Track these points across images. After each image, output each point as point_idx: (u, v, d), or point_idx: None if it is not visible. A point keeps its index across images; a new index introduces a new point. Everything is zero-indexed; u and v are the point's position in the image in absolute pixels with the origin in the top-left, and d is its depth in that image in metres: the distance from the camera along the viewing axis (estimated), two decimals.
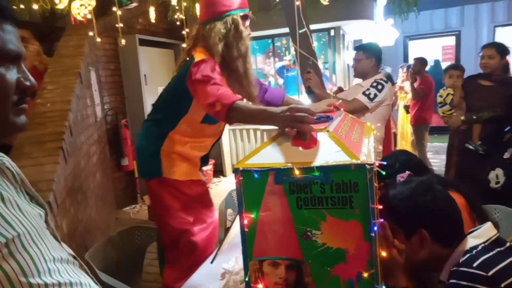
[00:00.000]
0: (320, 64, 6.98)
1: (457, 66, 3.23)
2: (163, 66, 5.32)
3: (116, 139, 4.48)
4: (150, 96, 4.78)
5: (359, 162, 0.97)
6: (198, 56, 1.63)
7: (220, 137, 1.99)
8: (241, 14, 1.69)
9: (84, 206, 2.57)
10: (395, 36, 6.57)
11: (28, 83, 0.69)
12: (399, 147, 5.34)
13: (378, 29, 6.19)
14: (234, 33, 1.67)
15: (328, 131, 1.11)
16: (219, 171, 5.66)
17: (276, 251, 1.07)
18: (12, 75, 0.67)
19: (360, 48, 2.68)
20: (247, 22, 1.73)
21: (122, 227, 3.00)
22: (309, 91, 2.39)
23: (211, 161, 5.32)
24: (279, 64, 6.53)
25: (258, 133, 5.57)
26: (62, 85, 2.69)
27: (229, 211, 2.38)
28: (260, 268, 1.08)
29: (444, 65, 8.46)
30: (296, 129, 1.10)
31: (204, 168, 5.23)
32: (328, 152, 1.03)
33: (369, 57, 2.56)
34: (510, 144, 2.62)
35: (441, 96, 3.06)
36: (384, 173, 0.98)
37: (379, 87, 2.44)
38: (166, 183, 1.83)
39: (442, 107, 3.06)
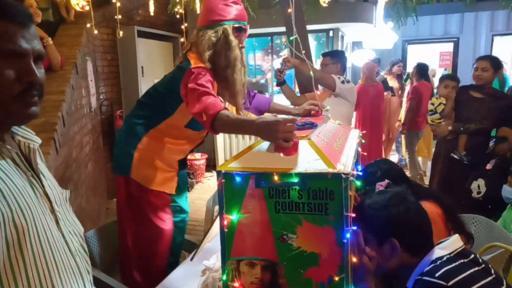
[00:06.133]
0: (318, 64, 7.04)
1: (453, 77, 3.26)
2: (161, 58, 5.33)
3: (110, 129, 4.49)
4: (147, 88, 4.74)
5: (335, 171, 1.01)
6: (194, 61, 1.65)
7: (201, 143, 1.98)
8: (236, 25, 1.71)
9: (74, 195, 2.60)
10: (394, 39, 6.59)
11: (28, 78, 0.75)
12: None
13: (377, 32, 6.22)
14: (223, 43, 1.68)
15: (309, 139, 1.15)
16: (212, 166, 5.70)
17: (253, 252, 1.11)
18: (8, 70, 0.73)
19: (328, 54, 2.90)
20: (245, 35, 1.75)
21: (111, 218, 3.02)
22: (279, 84, 2.55)
23: (204, 156, 5.35)
24: (277, 62, 6.53)
25: None
26: (57, 75, 2.71)
27: (217, 208, 2.42)
28: (237, 267, 1.13)
29: (440, 71, 8.53)
30: (285, 139, 1.12)
31: (197, 162, 5.26)
32: (307, 160, 1.08)
33: (335, 63, 2.78)
34: (494, 156, 2.68)
35: (432, 104, 3.10)
36: (359, 183, 1.03)
37: (347, 79, 2.72)
38: (131, 184, 1.81)
39: (432, 115, 3.11)
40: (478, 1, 4.14)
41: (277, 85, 2.56)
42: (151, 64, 5.08)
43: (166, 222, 1.90)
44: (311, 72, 2.05)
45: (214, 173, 5.72)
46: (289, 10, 1.66)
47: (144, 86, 4.79)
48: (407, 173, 4.99)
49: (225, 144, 5.81)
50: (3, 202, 0.68)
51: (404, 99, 5.06)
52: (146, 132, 1.80)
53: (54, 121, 2.17)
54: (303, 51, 1.60)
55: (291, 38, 1.65)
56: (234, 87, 1.73)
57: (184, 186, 2.01)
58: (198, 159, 5.24)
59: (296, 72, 2.79)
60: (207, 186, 5.16)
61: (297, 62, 2.41)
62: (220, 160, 5.77)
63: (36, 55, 0.78)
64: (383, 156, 5.09)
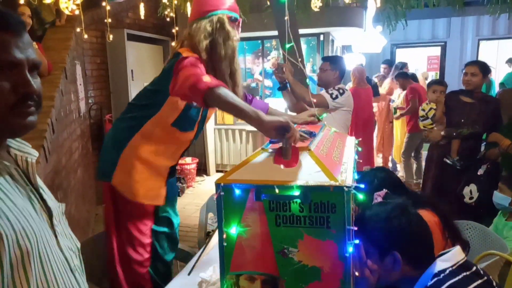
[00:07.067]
0: (308, 67, 7.06)
1: (441, 82, 3.30)
2: (151, 62, 5.28)
3: (100, 134, 4.42)
4: (136, 91, 4.68)
5: (337, 184, 0.99)
6: (185, 53, 1.60)
7: (188, 147, 1.90)
8: (229, 15, 1.67)
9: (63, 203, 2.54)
10: (383, 43, 6.66)
11: (23, 89, 0.72)
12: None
13: (367, 36, 6.28)
14: (220, 31, 1.64)
15: (309, 150, 1.13)
16: (202, 170, 5.66)
17: (253, 266, 1.09)
18: (2, 81, 0.70)
19: (328, 59, 2.85)
20: (238, 29, 1.71)
21: (101, 225, 2.94)
22: (281, 87, 2.45)
23: (195, 160, 5.31)
24: (267, 65, 6.48)
25: (244, 133, 5.58)
26: (46, 80, 2.64)
27: (210, 215, 2.39)
28: (237, 282, 1.10)
29: (431, 75, 8.65)
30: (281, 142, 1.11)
31: (188, 167, 5.21)
32: (308, 172, 1.06)
33: (334, 69, 2.73)
34: (485, 161, 2.71)
35: (423, 110, 3.13)
36: (361, 197, 1.01)
37: (341, 91, 2.66)
38: (115, 190, 1.74)
39: (424, 121, 3.13)
40: (465, 6, 4.23)
41: (279, 89, 2.47)
42: (141, 67, 5.02)
43: (145, 234, 1.82)
44: (309, 78, 2.03)
45: (205, 178, 5.69)
46: (286, 18, 1.64)
47: (134, 89, 4.73)
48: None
49: (216, 148, 5.78)
50: (7, 223, 0.66)
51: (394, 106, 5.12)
52: (133, 134, 1.73)
53: (44, 128, 2.12)
54: (299, 59, 1.59)
55: (287, 46, 1.62)
56: (235, 79, 1.69)
57: (172, 196, 1.92)
58: (189, 163, 5.19)
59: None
60: (198, 190, 5.11)
61: (292, 81, 2.36)
62: (211, 164, 5.74)
63: (31, 64, 0.75)
64: (375, 158, 5.13)
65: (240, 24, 1.75)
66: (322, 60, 2.88)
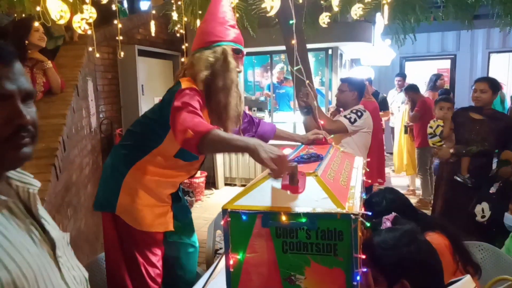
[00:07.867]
0: (317, 81, 7.07)
1: (447, 99, 3.28)
2: (161, 76, 5.35)
3: (110, 148, 4.43)
4: (147, 106, 4.80)
5: (344, 211, 0.99)
6: (185, 84, 1.59)
7: (194, 175, 1.87)
8: (234, 47, 1.67)
9: (73, 220, 2.56)
10: (392, 56, 6.66)
11: (16, 121, 0.71)
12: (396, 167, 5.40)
13: (375, 49, 6.29)
14: (222, 63, 1.63)
15: (316, 175, 1.13)
16: (211, 183, 5.67)
17: None
18: None
19: (346, 80, 2.86)
20: (242, 60, 1.71)
21: None
22: (305, 112, 2.38)
23: (203, 173, 5.32)
24: (273, 80, 6.49)
25: None
26: (58, 98, 2.70)
27: (218, 232, 2.38)
28: None
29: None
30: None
31: (196, 180, 5.20)
32: (315, 198, 1.06)
33: (352, 90, 2.75)
34: (497, 179, 2.67)
35: (431, 127, 3.10)
36: (368, 224, 1.01)
37: (359, 113, 2.65)
38: (117, 222, 1.69)
39: (432, 138, 3.10)
40: (474, 19, 4.20)
41: (303, 113, 2.42)
42: (151, 82, 5.10)
43: (155, 264, 1.78)
44: (316, 91, 2.00)
45: (214, 191, 5.69)
46: (293, 42, 1.65)
47: (144, 104, 4.80)
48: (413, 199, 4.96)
49: (224, 161, 5.79)
50: (0, 266, 0.64)
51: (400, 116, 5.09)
52: (133, 163, 1.69)
53: (55, 146, 2.15)
54: (307, 81, 1.59)
55: (295, 68, 1.63)
56: (228, 111, 1.64)
57: (184, 218, 1.90)
58: (198, 177, 5.20)
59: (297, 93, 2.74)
60: (207, 204, 5.11)
61: (315, 106, 2.34)
62: (220, 177, 5.75)
63: (24, 94, 0.73)
64: (385, 175, 5.09)
65: (244, 56, 1.74)
66: (341, 81, 2.90)
